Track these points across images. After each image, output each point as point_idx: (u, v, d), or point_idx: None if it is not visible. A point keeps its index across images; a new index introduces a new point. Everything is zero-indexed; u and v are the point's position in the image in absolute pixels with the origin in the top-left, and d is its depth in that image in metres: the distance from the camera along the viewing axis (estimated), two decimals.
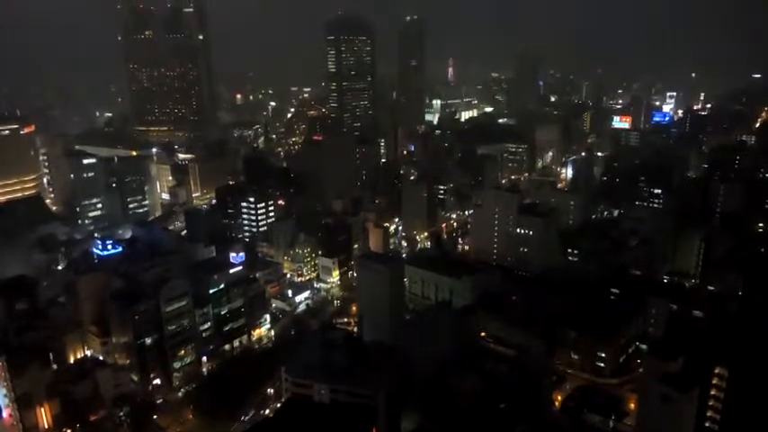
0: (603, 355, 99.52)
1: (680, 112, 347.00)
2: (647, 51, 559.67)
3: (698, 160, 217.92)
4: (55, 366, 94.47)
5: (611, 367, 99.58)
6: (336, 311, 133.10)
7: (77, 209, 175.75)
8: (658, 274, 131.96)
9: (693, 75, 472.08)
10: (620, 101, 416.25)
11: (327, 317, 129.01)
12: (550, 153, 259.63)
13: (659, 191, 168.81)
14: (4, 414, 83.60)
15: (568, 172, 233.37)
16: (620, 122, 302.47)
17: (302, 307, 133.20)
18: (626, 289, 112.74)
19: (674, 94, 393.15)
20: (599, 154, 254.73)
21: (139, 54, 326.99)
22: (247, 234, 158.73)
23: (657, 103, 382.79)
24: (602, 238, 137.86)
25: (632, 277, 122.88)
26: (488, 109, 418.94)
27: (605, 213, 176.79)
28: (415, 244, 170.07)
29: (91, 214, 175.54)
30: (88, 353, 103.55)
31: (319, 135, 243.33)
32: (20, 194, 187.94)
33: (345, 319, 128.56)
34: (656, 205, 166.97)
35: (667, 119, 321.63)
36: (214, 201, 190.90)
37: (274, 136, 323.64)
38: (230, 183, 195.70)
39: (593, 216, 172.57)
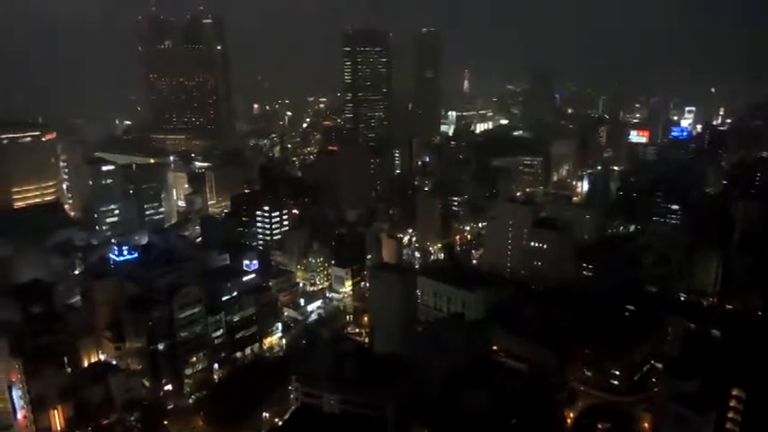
0: (617, 372, 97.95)
1: (699, 127, 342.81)
2: (666, 65, 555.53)
3: (717, 176, 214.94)
4: (69, 370, 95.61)
5: (625, 385, 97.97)
6: (348, 322, 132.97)
7: (95, 215, 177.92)
8: (675, 291, 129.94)
9: (713, 90, 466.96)
10: (638, 115, 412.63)
11: (339, 327, 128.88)
12: (566, 166, 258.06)
13: (677, 207, 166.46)
14: (19, 415, 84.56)
15: (584, 186, 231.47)
16: (637, 137, 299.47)
17: (314, 316, 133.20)
18: (641, 306, 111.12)
19: (693, 108, 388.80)
20: (615, 168, 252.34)
21: (159, 64, 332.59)
22: (261, 242, 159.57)
23: (675, 118, 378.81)
24: (617, 254, 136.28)
25: (648, 294, 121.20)
26: (504, 121, 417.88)
27: (621, 228, 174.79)
28: (428, 255, 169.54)
29: (108, 220, 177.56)
30: (102, 357, 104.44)
31: (334, 145, 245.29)
32: (39, 200, 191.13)
33: (357, 330, 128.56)
34: (673, 221, 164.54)
35: (685, 134, 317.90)
36: (228, 209, 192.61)
37: (290, 146, 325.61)
38: (245, 191, 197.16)
39: (609, 231, 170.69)
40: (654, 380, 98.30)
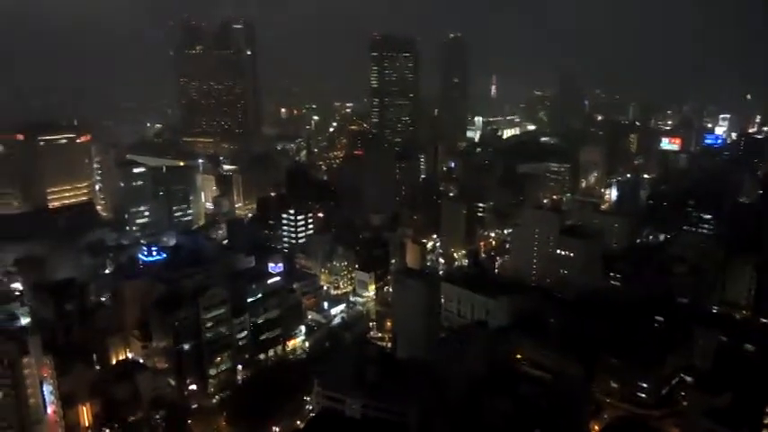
0: (645, 385, 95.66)
1: (733, 134, 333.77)
2: (699, 71, 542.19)
3: (752, 185, 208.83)
4: (98, 367, 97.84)
5: (653, 398, 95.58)
6: (371, 326, 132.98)
7: (126, 216, 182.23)
8: (707, 303, 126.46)
9: (748, 97, 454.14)
10: (670, 122, 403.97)
11: (362, 331, 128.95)
12: (595, 173, 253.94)
13: (709, 216, 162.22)
14: (49, 410, 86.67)
15: (613, 193, 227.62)
16: (668, 144, 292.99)
17: (337, 320, 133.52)
18: (671, 317, 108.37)
19: (728, 116, 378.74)
20: (645, 176, 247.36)
21: (189, 68, 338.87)
22: (286, 245, 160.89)
23: (709, 126, 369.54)
24: (646, 264, 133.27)
25: (678, 305, 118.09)
26: (531, 127, 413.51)
27: (651, 237, 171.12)
28: (452, 261, 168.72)
29: (138, 221, 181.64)
30: (129, 355, 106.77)
31: (360, 150, 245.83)
32: (73, 200, 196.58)
33: (380, 335, 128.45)
34: (705, 231, 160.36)
35: (720, 141, 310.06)
36: (255, 212, 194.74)
37: (316, 149, 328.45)
38: (272, 194, 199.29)
39: (638, 240, 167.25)
40: (683, 394, 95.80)
